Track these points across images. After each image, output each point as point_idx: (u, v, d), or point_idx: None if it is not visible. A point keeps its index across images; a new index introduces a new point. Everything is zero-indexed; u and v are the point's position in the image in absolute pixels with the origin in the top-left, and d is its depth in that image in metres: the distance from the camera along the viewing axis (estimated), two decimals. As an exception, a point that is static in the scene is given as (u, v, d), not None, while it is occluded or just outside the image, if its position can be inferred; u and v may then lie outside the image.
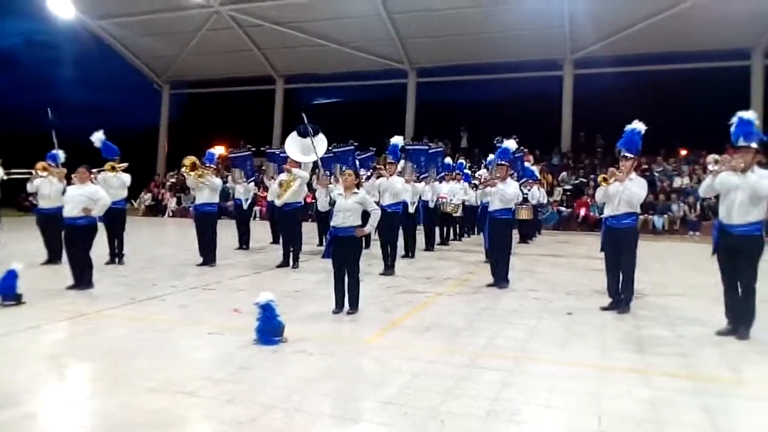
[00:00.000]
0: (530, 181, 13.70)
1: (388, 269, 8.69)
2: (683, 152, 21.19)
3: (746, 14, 18.95)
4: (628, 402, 3.62)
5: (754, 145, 5.06)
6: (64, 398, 3.67)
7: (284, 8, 22.22)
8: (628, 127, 6.26)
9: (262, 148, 14.45)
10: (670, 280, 8.63)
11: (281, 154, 10.65)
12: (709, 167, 5.28)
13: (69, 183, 8.19)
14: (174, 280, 7.91)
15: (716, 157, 5.28)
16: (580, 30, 20.92)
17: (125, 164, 9.61)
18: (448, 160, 14.66)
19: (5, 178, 9.69)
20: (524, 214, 12.92)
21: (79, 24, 24.62)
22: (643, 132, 6.18)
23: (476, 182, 12.89)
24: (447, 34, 22.22)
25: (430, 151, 12.06)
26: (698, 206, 17.32)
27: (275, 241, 12.07)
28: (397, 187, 9.21)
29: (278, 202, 9.39)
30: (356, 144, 11.07)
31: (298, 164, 9.30)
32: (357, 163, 11.14)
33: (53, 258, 9.08)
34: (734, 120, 5.16)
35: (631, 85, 22.40)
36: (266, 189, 13.72)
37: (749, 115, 5.13)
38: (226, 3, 22.62)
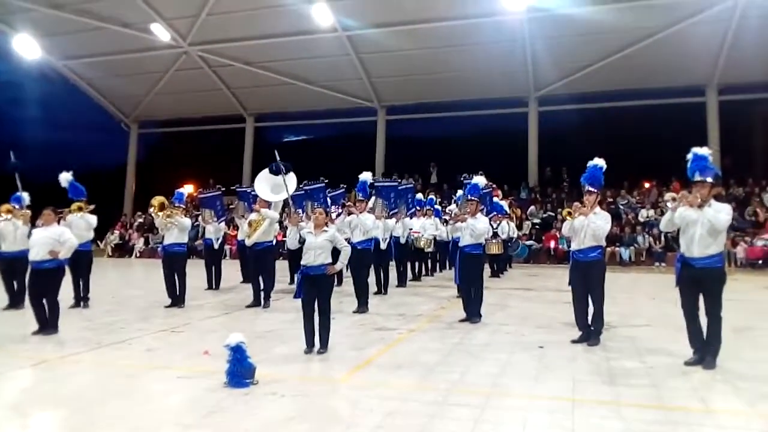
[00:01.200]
0: (499, 215, 13.92)
1: (361, 306, 8.65)
2: (647, 185, 21.82)
3: (699, 54, 19.93)
4: (600, 435, 3.64)
5: (709, 179, 5.26)
6: (24, 450, 3.53)
7: (253, 48, 22.46)
8: (591, 163, 6.46)
9: (232, 187, 14.39)
10: (637, 311, 8.78)
11: (252, 193, 10.62)
12: (668, 204, 5.47)
13: (34, 226, 8.02)
14: (141, 322, 7.73)
15: (673, 194, 5.49)
16: (542, 69, 21.64)
17: (92, 206, 9.47)
18: (419, 195, 14.83)
19: None
20: (495, 249, 13.07)
21: (45, 64, 24.42)
22: (604, 167, 6.38)
23: (447, 217, 13.06)
24: (415, 73, 22.72)
25: (400, 187, 12.19)
26: (663, 238, 17.75)
27: (245, 280, 11.93)
28: (368, 223, 9.25)
29: (248, 242, 9.34)
30: (327, 181, 11.13)
31: (268, 204, 9.29)
32: (328, 200, 11.18)
33: (15, 302, 8.81)
34: (689, 156, 5.38)
35: (594, 120, 23.16)
36: (237, 228, 13.62)
37: (703, 150, 5.36)
38: (195, 43, 22.75)
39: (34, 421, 4.08)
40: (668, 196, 5.54)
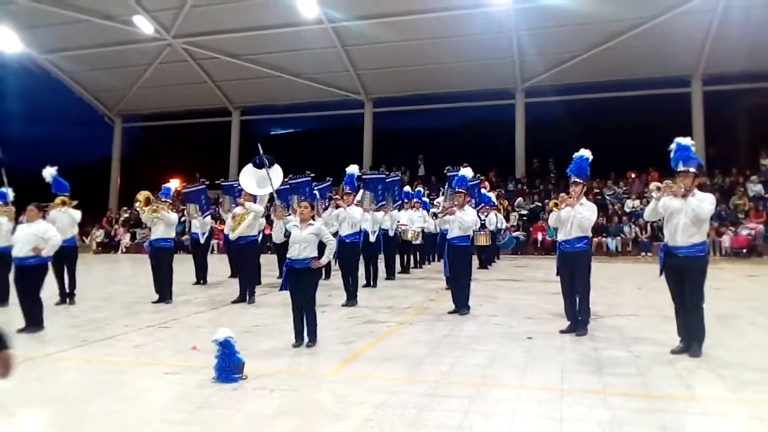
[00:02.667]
0: (487, 207, 13.95)
1: (350, 300, 8.65)
2: (632, 175, 21.99)
3: (684, 44, 20.09)
4: (589, 424, 3.68)
5: (692, 169, 5.31)
6: (10, 449, 3.49)
7: (238, 41, 22.26)
8: (577, 154, 6.50)
9: (217, 181, 14.29)
10: (623, 301, 8.86)
11: (237, 187, 10.56)
12: (653, 194, 5.52)
13: (17, 222, 7.92)
14: (128, 318, 7.67)
15: (658, 184, 5.53)
16: (528, 60, 21.71)
17: (75, 201, 9.36)
18: (406, 188, 14.82)
19: None
20: (483, 240, 13.12)
21: (25, 58, 24.04)
22: (590, 158, 6.41)
23: (435, 210, 13.08)
24: (402, 65, 22.66)
25: (387, 179, 12.17)
26: (649, 228, 17.91)
27: (233, 275, 11.88)
28: (356, 216, 9.23)
29: (232, 236, 9.30)
30: (313, 175, 11.09)
31: (253, 197, 9.24)
32: (316, 193, 11.14)
33: (0, 299, 8.70)
34: (672, 146, 5.41)
35: (580, 111, 23.26)
36: (223, 222, 13.54)
37: (686, 141, 5.40)
38: (179, 36, 22.49)
39: (20, 420, 4.03)
40: (653, 185, 5.59)
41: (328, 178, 12.61)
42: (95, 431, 3.63)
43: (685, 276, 5.30)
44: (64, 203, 9.11)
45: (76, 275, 9.23)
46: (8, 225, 8.75)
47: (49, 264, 7.29)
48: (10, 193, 9.20)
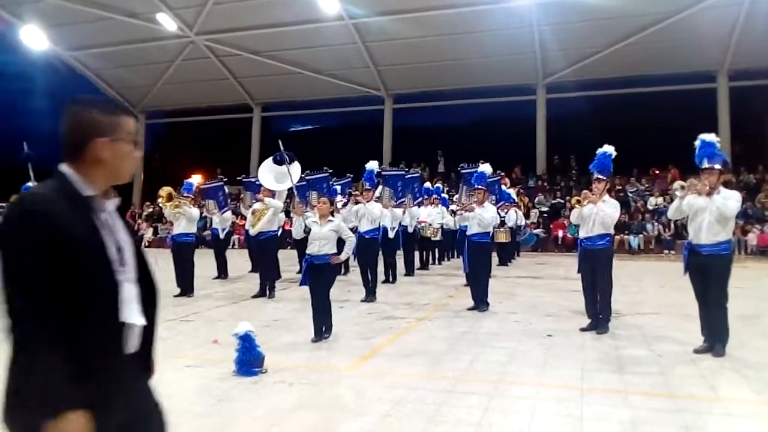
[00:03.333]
0: (507, 204, 13.88)
1: (369, 296, 8.67)
2: (656, 172, 21.67)
3: (709, 39, 19.67)
4: (609, 423, 3.64)
5: (717, 166, 5.21)
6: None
7: (260, 38, 22.39)
8: (600, 151, 6.42)
9: (238, 177, 14.43)
10: (645, 299, 8.75)
11: (257, 183, 10.65)
12: (677, 193, 5.43)
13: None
14: (151, 312, 7.77)
15: (682, 183, 5.45)
16: (550, 56, 21.48)
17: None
18: (426, 184, 14.79)
19: None
20: (503, 237, 13.06)
21: (52, 55, 24.48)
22: (614, 155, 6.33)
23: (454, 207, 13.05)
24: (422, 61, 22.58)
25: (407, 176, 12.17)
26: (672, 225, 17.64)
27: (254, 270, 11.99)
28: (375, 212, 9.24)
29: (252, 231, 9.36)
30: (330, 171, 11.13)
31: (272, 193, 9.30)
32: (337, 188, 11.18)
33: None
34: (697, 142, 5.32)
35: (602, 107, 22.98)
36: (245, 218, 13.66)
37: (711, 137, 5.31)
38: (202, 33, 22.70)
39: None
40: (677, 184, 5.51)
41: (348, 175, 12.64)
42: (119, 422, 3.69)
43: (709, 274, 5.22)
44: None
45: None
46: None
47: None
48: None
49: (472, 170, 8.66)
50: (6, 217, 1.46)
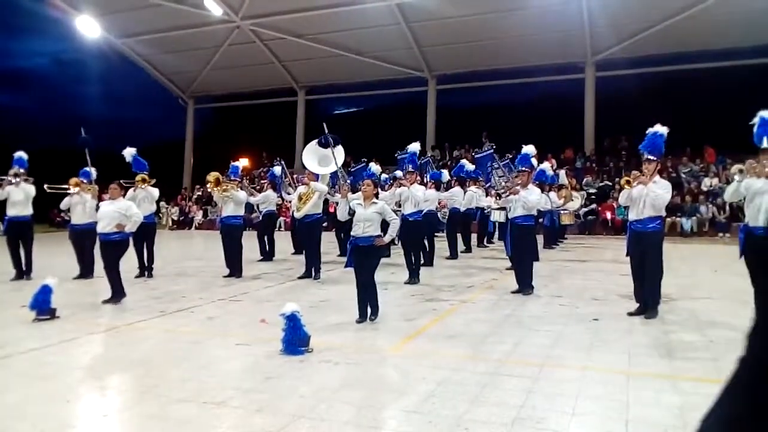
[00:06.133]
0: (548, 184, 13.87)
1: (413, 278, 8.71)
2: (711, 152, 20.79)
3: (769, 11, 18.62)
4: (657, 409, 3.58)
5: (778, 146, 4.99)
6: (98, 409, 3.77)
7: (303, 21, 22.48)
8: (651, 130, 6.21)
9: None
10: (698, 283, 8.49)
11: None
12: (735, 177, 5.23)
13: (101, 200, 8.41)
14: (202, 292, 8.05)
15: (740, 167, 5.24)
16: (600, 32, 20.76)
17: (153, 180, 9.83)
18: (470, 166, 14.67)
19: (48, 191, 9.94)
20: (567, 219, 13.14)
21: (105, 42, 25.25)
22: (666, 135, 6.12)
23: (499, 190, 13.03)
24: (466, 40, 22.23)
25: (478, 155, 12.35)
26: (727, 207, 16.96)
27: (297, 251, 12.20)
28: (419, 195, 9.24)
29: (298, 215, 9.49)
30: (365, 161, 11.19)
31: (316, 176, 9.41)
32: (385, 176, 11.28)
33: (85, 272, 9.31)
34: (756, 120, 5.09)
35: (654, 85, 22.13)
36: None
37: (772, 114, 5.07)
38: (247, 17, 22.96)
39: (107, 383, 4.34)
40: (735, 168, 5.30)
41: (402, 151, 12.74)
42: (174, 395, 3.86)
43: (765, 257, 5.02)
44: (144, 181, 9.59)
45: (154, 250, 9.74)
46: (92, 202, 9.32)
47: (130, 239, 7.73)
48: (94, 173, 9.77)
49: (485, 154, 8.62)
50: None
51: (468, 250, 13.10)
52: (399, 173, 11.29)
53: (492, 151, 12.46)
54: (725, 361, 4.54)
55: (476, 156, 13.06)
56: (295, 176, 14.51)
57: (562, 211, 13.96)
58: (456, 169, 13.73)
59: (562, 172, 15.80)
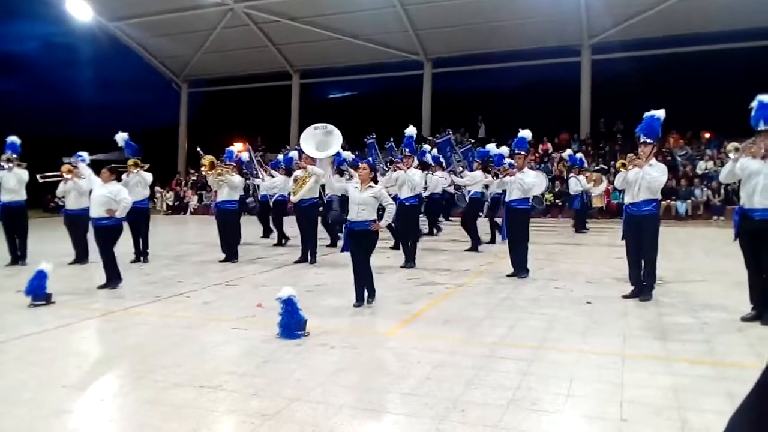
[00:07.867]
0: (576, 167, 14.26)
1: (408, 262, 8.72)
2: (706, 135, 20.79)
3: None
4: (650, 390, 3.61)
5: (775, 128, 4.98)
6: (94, 394, 3.78)
7: (297, 3, 22.25)
8: (647, 114, 6.19)
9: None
10: (692, 266, 8.54)
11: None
12: (730, 155, 5.23)
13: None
14: (197, 276, 8.04)
15: (736, 145, 5.23)
16: (596, 15, 20.64)
17: (147, 164, 9.76)
18: (434, 151, 14.66)
19: (41, 180, 9.84)
20: (598, 202, 13.50)
21: (96, 26, 24.94)
22: (662, 118, 6.11)
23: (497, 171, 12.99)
24: (462, 23, 22.06)
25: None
26: (722, 191, 17.01)
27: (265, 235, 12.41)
28: (415, 179, 9.21)
29: (293, 199, 9.45)
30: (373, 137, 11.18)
31: (313, 160, 9.36)
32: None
33: (80, 258, 9.28)
34: (754, 104, 5.08)
35: (650, 68, 22.09)
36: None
37: (770, 98, 5.05)
38: (240, 0, 22.71)
39: (103, 368, 4.34)
40: (730, 146, 5.29)
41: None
42: (169, 380, 3.87)
43: (761, 240, 5.04)
44: (137, 165, 9.52)
45: (149, 235, 9.71)
46: (86, 188, 9.25)
47: (124, 224, 7.67)
48: (86, 157, 9.68)
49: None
50: None
51: (431, 233, 13.01)
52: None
53: (450, 136, 13.20)
54: (718, 343, 4.58)
55: (437, 141, 13.40)
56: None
57: (591, 194, 14.19)
58: (419, 154, 13.78)
59: (557, 156, 15.91)
